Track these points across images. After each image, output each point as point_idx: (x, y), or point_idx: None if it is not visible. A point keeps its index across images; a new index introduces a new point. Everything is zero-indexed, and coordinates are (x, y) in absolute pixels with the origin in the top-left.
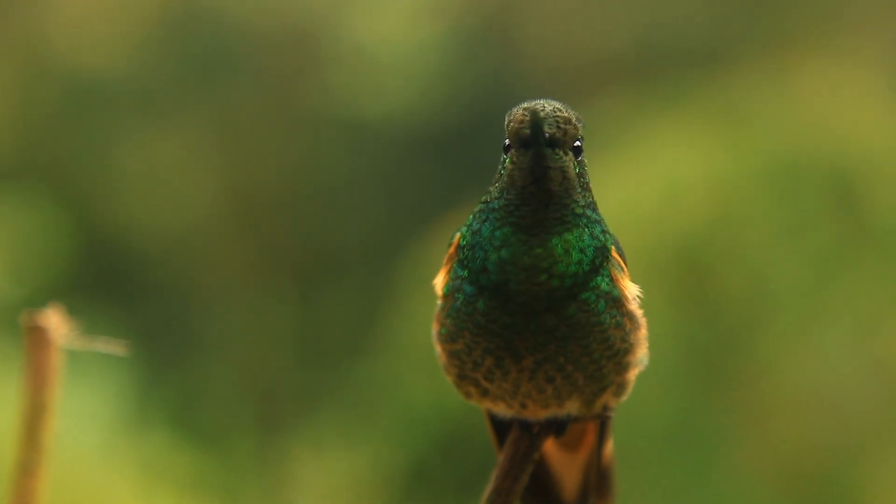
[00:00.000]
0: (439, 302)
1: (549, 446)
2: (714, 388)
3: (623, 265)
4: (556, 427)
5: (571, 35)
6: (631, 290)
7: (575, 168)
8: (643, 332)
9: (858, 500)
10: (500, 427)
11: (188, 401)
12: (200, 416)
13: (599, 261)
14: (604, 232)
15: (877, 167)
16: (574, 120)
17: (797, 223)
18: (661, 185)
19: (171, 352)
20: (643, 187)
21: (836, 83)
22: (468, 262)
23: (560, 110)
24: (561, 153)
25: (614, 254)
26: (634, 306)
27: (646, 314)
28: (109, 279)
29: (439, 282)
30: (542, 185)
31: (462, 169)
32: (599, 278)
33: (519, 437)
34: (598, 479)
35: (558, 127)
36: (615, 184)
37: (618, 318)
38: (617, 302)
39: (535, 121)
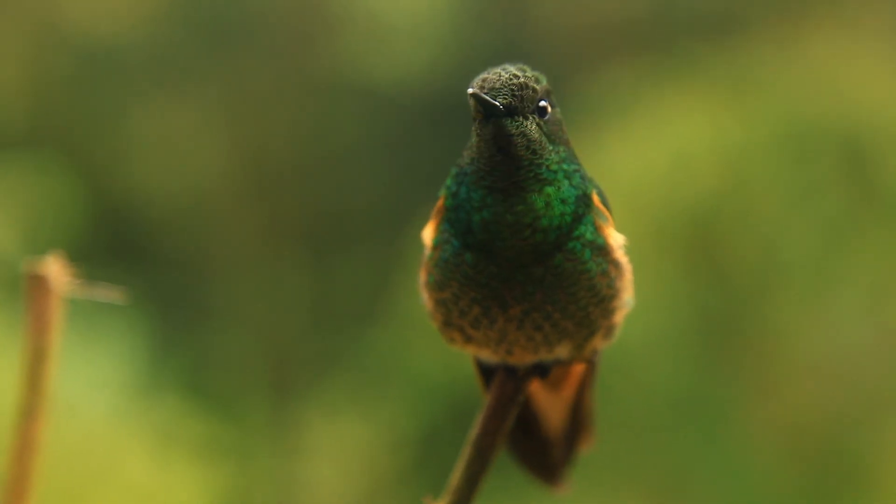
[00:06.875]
0: (427, 252)
1: (535, 385)
2: (724, 355)
3: (607, 214)
4: (541, 371)
5: (584, 0)
6: (616, 239)
7: (542, 128)
8: (628, 278)
9: (868, 467)
10: (487, 370)
11: (201, 366)
12: (213, 381)
13: (581, 210)
14: (583, 179)
15: (888, 134)
16: (532, 83)
17: (808, 191)
18: (672, 153)
19: (184, 318)
20: (654, 154)
21: (848, 50)
22: (453, 223)
23: (515, 77)
24: (521, 119)
25: (598, 203)
26: (620, 255)
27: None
28: (123, 246)
29: (428, 233)
30: (508, 153)
31: None
32: (583, 227)
33: (504, 380)
34: (585, 417)
35: (513, 96)
36: (626, 151)
37: (603, 265)
38: (602, 250)
39: (485, 98)
